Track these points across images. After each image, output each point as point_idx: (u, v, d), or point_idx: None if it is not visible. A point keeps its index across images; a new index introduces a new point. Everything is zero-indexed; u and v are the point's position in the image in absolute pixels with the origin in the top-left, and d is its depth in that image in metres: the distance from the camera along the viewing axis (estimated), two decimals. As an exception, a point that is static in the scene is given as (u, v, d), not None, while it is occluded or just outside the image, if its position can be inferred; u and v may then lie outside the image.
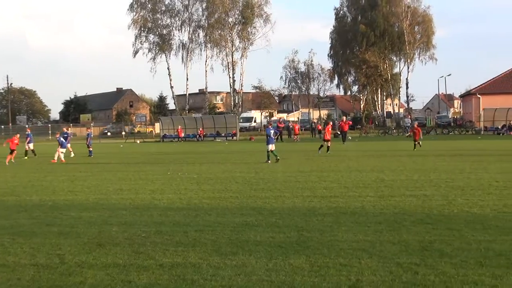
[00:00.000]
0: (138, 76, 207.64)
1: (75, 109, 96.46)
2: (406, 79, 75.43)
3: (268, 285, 5.93)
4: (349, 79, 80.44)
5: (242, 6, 73.07)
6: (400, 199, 11.51)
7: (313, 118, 72.40)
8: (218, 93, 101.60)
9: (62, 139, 27.06)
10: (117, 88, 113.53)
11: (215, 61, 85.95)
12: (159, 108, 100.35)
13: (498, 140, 39.31)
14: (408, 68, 74.88)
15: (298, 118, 78.89)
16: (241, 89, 76.75)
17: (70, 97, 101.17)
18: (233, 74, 74.98)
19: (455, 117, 72.15)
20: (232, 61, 74.44)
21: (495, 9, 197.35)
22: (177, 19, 75.63)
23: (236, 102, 76.64)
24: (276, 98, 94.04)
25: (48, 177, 18.64)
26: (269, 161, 22.10)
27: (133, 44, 76.24)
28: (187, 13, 75.06)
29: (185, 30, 75.62)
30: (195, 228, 8.99)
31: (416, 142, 28.68)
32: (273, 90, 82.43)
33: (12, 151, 25.78)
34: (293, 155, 27.39)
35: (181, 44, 76.05)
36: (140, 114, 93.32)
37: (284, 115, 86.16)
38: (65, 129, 31.41)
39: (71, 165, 24.38)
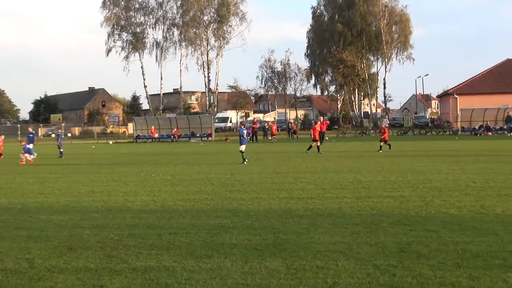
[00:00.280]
0: (111, 75, 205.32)
1: (45, 109, 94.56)
2: (384, 79, 76.43)
3: (244, 289, 5.80)
4: (326, 79, 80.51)
5: (218, 4, 72.71)
6: (378, 200, 11.50)
7: (289, 118, 72.36)
8: (193, 92, 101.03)
9: (28, 146, 26.42)
10: (89, 88, 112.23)
11: (190, 60, 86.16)
12: (132, 108, 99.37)
13: (475, 141, 39.83)
14: (385, 68, 75.85)
15: (275, 118, 78.58)
16: (217, 88, 76.53)
17: (40, 97, 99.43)
18: (208, 74, 74.79)
19: (433, 117, 72.30)
20: (208, 60, 74.23)
21: (471, 9, 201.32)
22: (151, 17, 74.97)
23: (212, 102, 76.40)
24: (252, 98, 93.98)
25: (17, 179, 18.21)
26: (245, 162, 21.97)
27: (105, 43, 75.49)
28: (161, 10, 74.47)
29: (159, 28, 75.11)
30: (169, 230, 8.82)
31: (383, 143, 27.87)
32: (249, 90, 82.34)
33: None
34: (269, 156, 27.33)
35: (155, 42, 75.52)
36: (113, 114, 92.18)
37: (260, 115, 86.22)
38: (30, 129, 30.70)
39: (41, 166, 23.87)
